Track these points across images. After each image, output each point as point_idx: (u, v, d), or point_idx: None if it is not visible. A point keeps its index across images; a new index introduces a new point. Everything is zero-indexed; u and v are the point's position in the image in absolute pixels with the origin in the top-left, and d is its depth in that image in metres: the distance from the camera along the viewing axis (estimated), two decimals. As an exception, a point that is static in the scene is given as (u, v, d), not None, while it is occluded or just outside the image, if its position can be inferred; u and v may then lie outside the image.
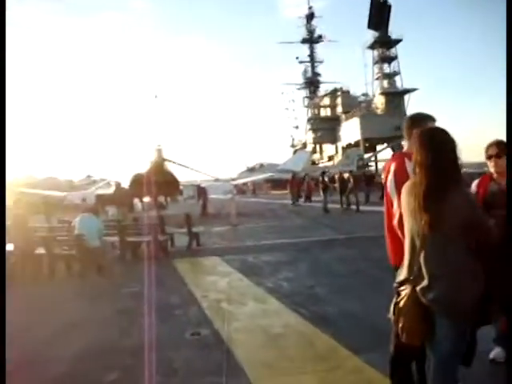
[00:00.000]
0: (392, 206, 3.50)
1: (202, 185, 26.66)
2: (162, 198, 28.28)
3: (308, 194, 34.23)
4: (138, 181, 23.21)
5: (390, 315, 3.14)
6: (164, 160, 21.33)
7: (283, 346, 5.50)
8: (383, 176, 3.86)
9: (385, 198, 3.75)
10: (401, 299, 3.03)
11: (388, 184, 3.63)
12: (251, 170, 61.39)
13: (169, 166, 23.95)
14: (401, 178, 3.35)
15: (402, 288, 3.07)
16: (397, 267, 3.28)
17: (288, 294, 8.02)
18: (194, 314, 7.13)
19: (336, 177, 27.84)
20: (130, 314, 7.27)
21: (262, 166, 62.75)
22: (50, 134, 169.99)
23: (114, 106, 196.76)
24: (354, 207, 23.85)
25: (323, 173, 26.19)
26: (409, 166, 3.37)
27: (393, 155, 4.16)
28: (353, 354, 5.02)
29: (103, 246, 11.24)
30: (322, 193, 24.68)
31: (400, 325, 3.04)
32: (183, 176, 26.33)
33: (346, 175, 26.86)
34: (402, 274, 3.11)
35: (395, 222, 3.35)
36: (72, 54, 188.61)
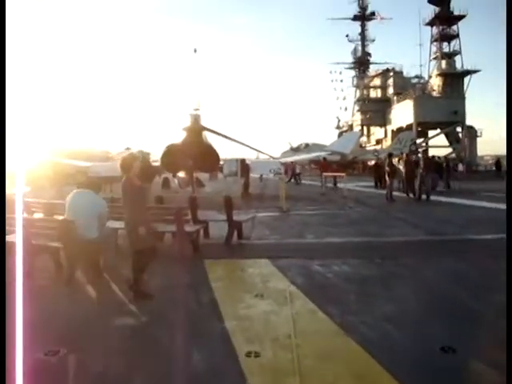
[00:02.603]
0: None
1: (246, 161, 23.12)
2: (199, 175, 24.98)
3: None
4: (171, 153, 19.71)
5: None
6: (202, 128, 17.68)
7: None
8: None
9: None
10: None
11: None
12: (295, 150, 57.50)
13: (207, 136, 20.35)
14: None
15: None
16: None
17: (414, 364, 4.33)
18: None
19: (396, 160, 23.85)
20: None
21: (307, 145, 58.72)
22: (87, 103, 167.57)
23: (149, 66, 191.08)
24: (423, 197, 19.90)
25: (390, 154, 22.13)
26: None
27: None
28: None
29: (104, 237, 7.79)
30: (387, 178, 20.66)
31: None
32: (222, 149, 22.74)
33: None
34: None
35: None
36: (105, 10, 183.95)
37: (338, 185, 28.02)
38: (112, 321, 5.39)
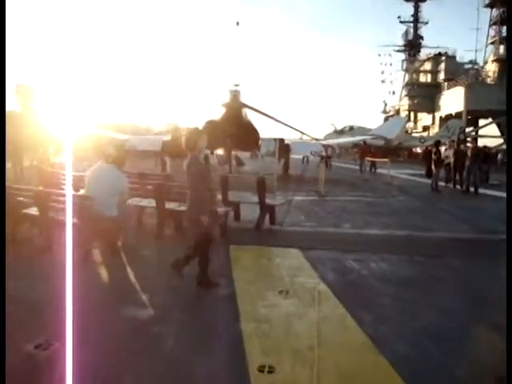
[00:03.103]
0: None
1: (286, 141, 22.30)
2: (240, 153, 24.36)
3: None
4: (209, 129, 19.15)
5: None
6: (241, 105, 17.02)
7: None
8: None
9: None
10: None
11: None
12: (339, 133, 55.91)
13: (247, 114, 19.69)
14: None
15: None
16: None
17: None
18: None
19: (443, 148, 22.54)
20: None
21: (351, 128, 57.00)
22: (130, 79, 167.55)
23: (190, 40, 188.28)
24: (471, 189, 18.70)
25: (438, 142, 20.86)
26: None
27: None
28: None
29: (124, 215, 7.28)
30: (433, 167, 19.49)
31: None
32: (263, 129, 21.98)
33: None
34: None
35: None
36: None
37: (382, 171, 26.90)
38: (110, 311, 4.84)
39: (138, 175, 11.02)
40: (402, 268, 7.08)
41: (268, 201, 9.75)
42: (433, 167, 19.49)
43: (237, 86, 16.48)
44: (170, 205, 8.79)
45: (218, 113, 18.53)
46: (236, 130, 18.06)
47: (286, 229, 9.80)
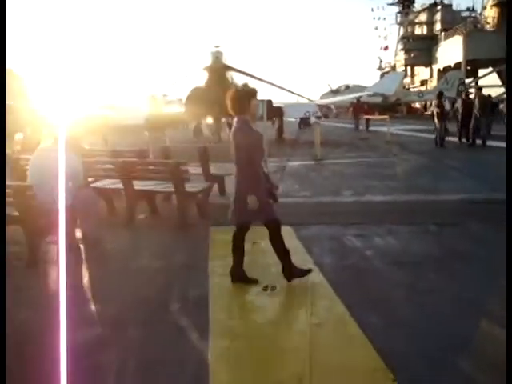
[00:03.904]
0: None
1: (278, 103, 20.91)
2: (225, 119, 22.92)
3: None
4: (195, 97, 17.82)
5: None
6: (225, 67, 15.60)
7: None
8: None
9: None
10: None
11: None
12: (335, 92, 54.38)
13: (233, 76, 18.25)
14: None
15: None
16: None
17: None
18: None
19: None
20: None
21: (347, 87, 55.28)
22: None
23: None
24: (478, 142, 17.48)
25: (440, 94, 19.47)
26: None
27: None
28: None
29: (81, 204, 6.08)
30: (436, 120, 18.13)
31: None
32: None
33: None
34: None
35: None
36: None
37: (381, 128, 25.58)
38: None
39: (110, 153, 9.80)
40: (413, 242, 5.94)
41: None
42: (435, 120, 18.12)
43: (217, 46, 15.03)
44: (145, 184, 7.61)
45: (201, 78, 17.13)
46: (222, 94, 16.68)
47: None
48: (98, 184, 8.13)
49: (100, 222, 6.57)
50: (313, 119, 21.32)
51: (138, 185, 7.48)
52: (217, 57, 15.02)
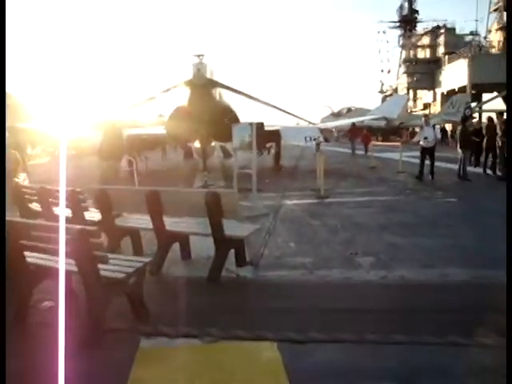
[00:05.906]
0: None
1: (275, 127, 18.24)
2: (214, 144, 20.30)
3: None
4: (178, 118, 15.10)
5: None
6: (209, 82, 12.92)
7: None
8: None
9: None
10: None
11: None
12: (337, 115, 52.16)
13: (222, 94, 15.57)
14: None
15: None
16: None
17: None
18: None
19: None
20: None
21: (349, 110, 53.22)
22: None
23: None
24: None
25: (465, 118, 16.89)
26: None
27: None
28: None
29: None
30: (459, 149, 15.34)
31: None
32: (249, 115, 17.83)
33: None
34: None
35: None
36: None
37: (389, 155, 22.96)
38: None
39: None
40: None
41: (230, 231, 5.66)
42: (459, 150, 15.34)
43: (200, 56, 12.31)
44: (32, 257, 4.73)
45: (183, 95, 14.41)
46: (208, 115, 13.97)
47: (262, 277, 5.70)
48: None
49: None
50: (314, 144, 18.76)
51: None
52: (198, 69, 12.34)
